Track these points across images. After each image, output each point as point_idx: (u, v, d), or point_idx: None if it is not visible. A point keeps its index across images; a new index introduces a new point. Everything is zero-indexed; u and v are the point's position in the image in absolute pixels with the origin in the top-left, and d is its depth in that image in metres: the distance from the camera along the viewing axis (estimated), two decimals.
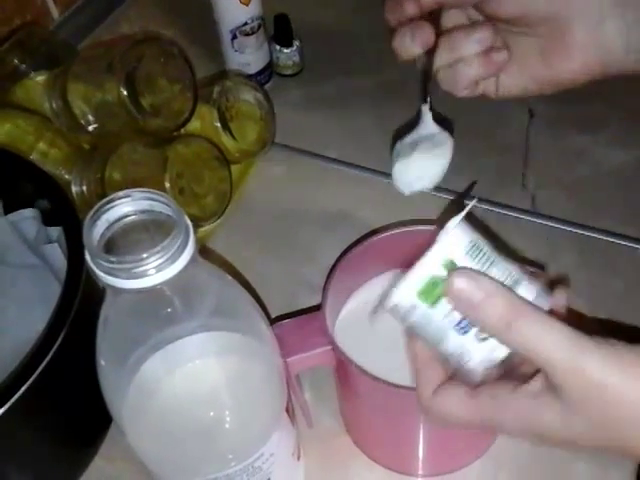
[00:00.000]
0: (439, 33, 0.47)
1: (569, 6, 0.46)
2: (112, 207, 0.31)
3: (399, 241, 0.48)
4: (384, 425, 0.48)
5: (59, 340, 0.42)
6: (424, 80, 0.48)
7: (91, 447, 0.52)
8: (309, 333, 0.44)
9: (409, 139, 0.50)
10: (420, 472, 0.50)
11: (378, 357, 0.44)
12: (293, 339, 0.43)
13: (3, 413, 0.40)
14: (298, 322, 0.45)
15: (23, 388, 0.40)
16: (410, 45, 0.46)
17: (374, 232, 0.49)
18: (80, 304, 0.44)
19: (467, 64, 0.47)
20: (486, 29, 0.47)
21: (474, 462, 0.50)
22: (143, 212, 0.32)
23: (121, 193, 0.31)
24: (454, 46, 0.47)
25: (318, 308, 0.45)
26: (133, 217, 0.32)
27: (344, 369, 0.44)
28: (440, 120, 0.49)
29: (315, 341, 0.44)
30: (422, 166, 0.50)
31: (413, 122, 0.50)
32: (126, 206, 0.31)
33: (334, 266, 0.47)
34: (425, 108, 0.47)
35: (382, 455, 0.51)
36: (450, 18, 0.49)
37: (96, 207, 0.31)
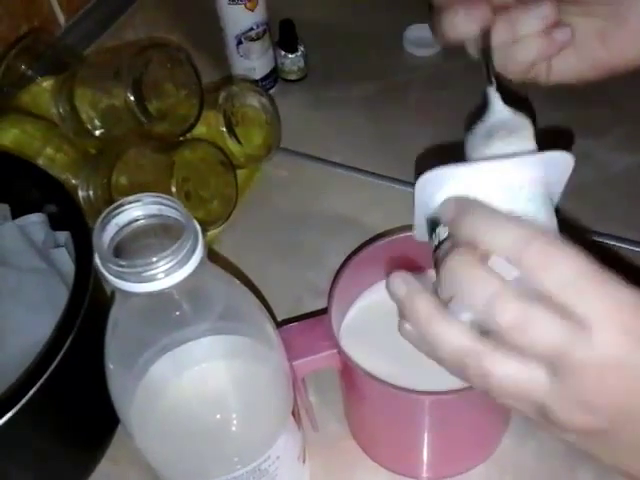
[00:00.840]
0: (494, 9, 0.43)
1: None
2: (122, 211, 0.32)
3: (404, 245, 0.48)
4: (389, 428, 0.48)
5: (67, 344, 0.43)
6: (486, 60, 0.42)
7: (98, 449, 0.52)
8: (315, 337, 0.44)
9: (481, 130, 0.41)
10: (425, 475, 0.50)
11: (383, 361, 0.45)
12: (299, 342, 0.44)
13: (11, 416, 0.40)
14: (304, 326, 0.45)
15: (31, 392, 0.41)
16: (464, 24, 0.42)
17: (379, 236, 0.49)
18: (88, 308, 0.44)
19: (527, 43, 0.43)
20: (548, 5, 0.43)
21: (479, 465, 0.50)
22: (152, 216, 0.32)
23: (131, 197, 0.32)
24: (513, 24, 0.43)
25: (324, 312, 0.45)
26: (143, 221, 0.32)
27: (349, 373, 0.45)
28: (513, 100, 0.41)
29: (321, 345, 0.44)
30: None
31: (481, 109, 0.42)
32: (136, 210, 0.32)
33: (339, 270, 0.47)
34: (492, 91, 0.40)
35: (387, 458, 0.51)
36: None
37: (106, 211, 0.32)
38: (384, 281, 0.49)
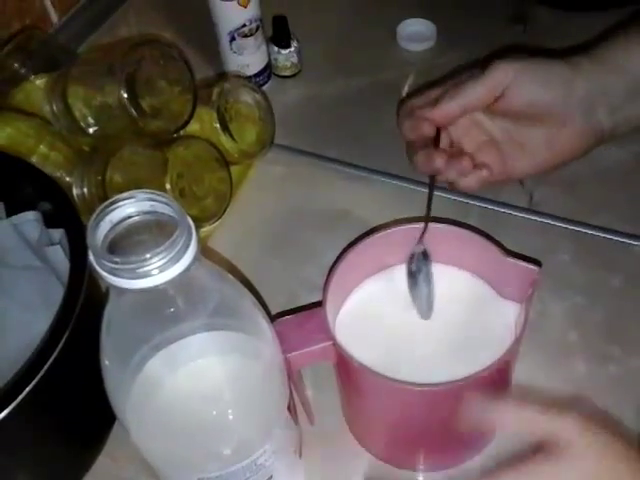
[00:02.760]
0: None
1: (569, 97, 0.54)
2: (116, 208, 0.32)
3: (398, 239, 0.48)
4: (384, 420, 0.48)
5: (62, 342, 0.43)
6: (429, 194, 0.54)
7: (95, 446, 0.52)
8: (310, 329, 0.44)
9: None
10: (421, 467, 0.51)
11: (378, 353, 0.45)
12: (294, 335, 0.44)
13: (7, 414, 0.40)
14: (299, 318, 0.46)
15: (27, 389, 0.41)
16: (423, 165, 0.55)
17: (373, 230, 0.49)
18: (83, 306, 0.44)
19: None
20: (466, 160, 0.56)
21: (475, 457, 0.51)
22: (146, 213, 0.32)
23: (125, 194, 0.32)
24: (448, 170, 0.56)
25: (319, 305, 0.45)
26: (136, 218, 0.32)
27: (345, 365, 0.45)
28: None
29: (316, 337, 0.44)
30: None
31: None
32: (129, 207, 0.32)
33: (334, 264, 0.47)
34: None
35: (383, 450, 0.51)
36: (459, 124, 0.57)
37: (100, 208, 0.32)
38: (378, 274, 0.50)
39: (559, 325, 0.57)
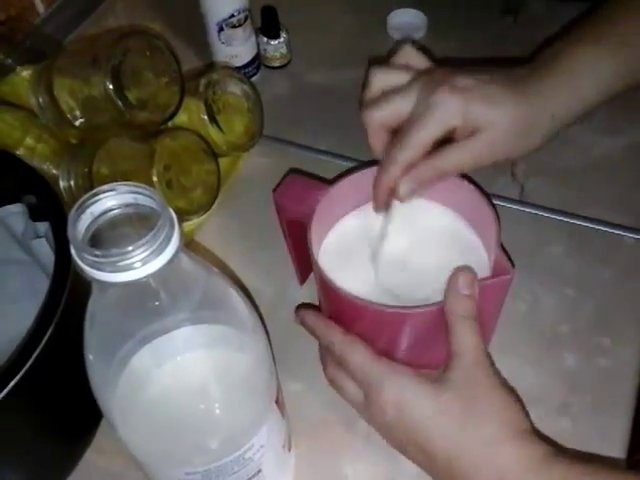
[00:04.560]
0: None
1: (516, 121, 0.50)
2: (97, 201, 0.31)
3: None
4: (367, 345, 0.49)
5: (47, 335, 0.42)
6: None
7: (83, 440, 0.52)
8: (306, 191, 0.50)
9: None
10: None
11: (360, 281, 0.48)
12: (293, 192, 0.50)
13: None
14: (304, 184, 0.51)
15: (12, 383, 0.40)
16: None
17: (356, 168, 0.52)
18: (68, 298, 0.44)
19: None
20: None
21: None
22: (128, 205, 0.31)
23: (106, 187, 0.31)
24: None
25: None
26: (118, 211, 0.31)
27: (327, 291, 0.47)
28: None
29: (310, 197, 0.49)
30: None
31: None
32: (111, 200, 0.31)
33: (319, 199, 0.49)
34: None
35: None
36: None
37: (80, 201, 0.31)
38: (359, 210, 0.53)
39: (550, 317, 0.57)
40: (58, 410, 0.48)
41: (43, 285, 0.45)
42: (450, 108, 0.48)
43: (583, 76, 0.51)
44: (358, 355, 0.46)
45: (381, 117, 0.51)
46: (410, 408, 0.44)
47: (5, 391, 0.40)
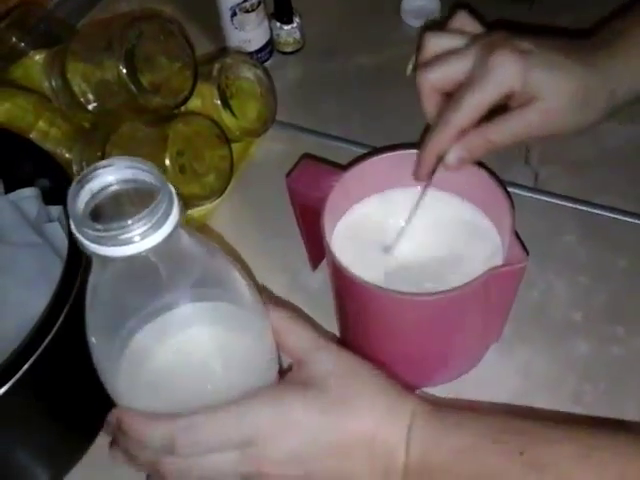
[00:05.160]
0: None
1: (579, 93, 0.48)
2: (95, 176, 0.31)
3: (392, 162, 0.51)
4: (377, 333, 0.50)
5: (61, 317, 0.42)
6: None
7: (94, 424, 0.52)
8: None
9: None
10: (414, 383, 0.51)
11: (373, 269, 0.48)
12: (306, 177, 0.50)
13: (6, 391, 0.40)
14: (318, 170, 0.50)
15: (26, 366, 0.40)
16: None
17: (370, 154, 0.51)
18: (82, 282, 0.44)
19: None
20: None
21: (469, 372, 0.53)
22: (127, 181, 0.32)
23: (104, 162, 0.31)
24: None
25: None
26: (116, 186, 0.32)
27: (339, 277, 0.47)
28: None
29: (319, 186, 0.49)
30: None
31: None
32: (109, 175, 0.31)
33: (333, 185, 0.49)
34: None
35: (377, 367, 0.52)
36: None
37: (79, 176, 0.31)
38: (374, 195, 0.52)
39: (563, 305, 0.56)
40: (69, 395, 0.48)
41: (56, 268, 0.46)
42: (511, 70, 0.46)
43: None
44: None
45: (436, 79, 0.49)
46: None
47: (18, 375, 0.40)
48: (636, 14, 0.52)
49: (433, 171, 0.49)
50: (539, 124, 0.48)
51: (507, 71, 0.46)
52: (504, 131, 0.47)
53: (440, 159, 0.48)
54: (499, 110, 0.48)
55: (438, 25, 0.53)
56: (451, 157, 0.47)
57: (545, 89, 0.47)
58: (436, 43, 0.51)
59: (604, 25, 0.52)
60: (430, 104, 0.50)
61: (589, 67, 0.48)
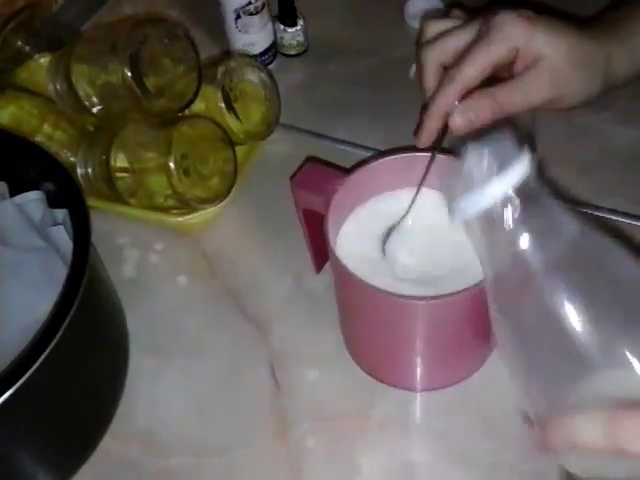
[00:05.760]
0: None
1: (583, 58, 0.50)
2: None
3: (396, 165, 0.51)
4: (381, 337, 0.50)
5: (66, 322, 0.42)
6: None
7: (100, 426, 0.52)
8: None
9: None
10: (418, 387, 0.52)
11: (375, 270, 0.48)
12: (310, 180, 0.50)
13: (10, 395, 0.40)
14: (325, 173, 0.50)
15: (31, 370, 0.41)
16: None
17: (374, 157, 0.51)
18: (86, 286, 0.44)
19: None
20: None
21: (474, 374, 0.52)
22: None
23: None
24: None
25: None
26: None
27: (343, 281, 0.47)
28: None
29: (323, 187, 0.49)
30: None
31: None
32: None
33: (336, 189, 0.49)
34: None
35: (381, 370, 0.52)
36: None
37: None
38: (377, 197, 0.52)
39: None
40: (75, 396, 0.49)
41: (61, 272, 0.46)
42: (515, 27, 0.47)
43: (638, 36, 0.52)
44: None
45: (440, 50, 0.49)
46: None
47: (24, 378, 0.40)
48: (627, 8, 0.54)
49: (437, 140, 0.47)
50: (546, 84, 0.48)
51: (512, 28, 0.47)
52: (514, 92, 0.47)
53: (443, 123, 0.47)
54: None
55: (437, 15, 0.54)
56: (457, 116, 0.46)
57: (548, 48, 0.47)
58: (436, 25, 0.51)
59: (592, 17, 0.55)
60: (432, 78, 0.49)
61: (586, 33, 0.50)
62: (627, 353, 0.34)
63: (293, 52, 0.77)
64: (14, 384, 0.40)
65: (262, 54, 0.74)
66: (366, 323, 0.50)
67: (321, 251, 0.50)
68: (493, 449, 0.49)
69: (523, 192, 0.36)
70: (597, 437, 0.32)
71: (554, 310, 0.35)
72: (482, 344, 0.51)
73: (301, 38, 0.76)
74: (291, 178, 0.51)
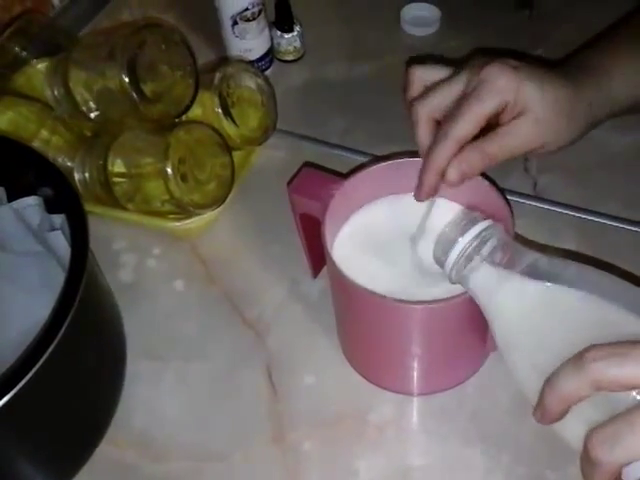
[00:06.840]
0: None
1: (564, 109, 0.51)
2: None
3: (392, 171, 0.51)
4: (378, 341, 0.50)
5: (64, 327, 0.43)
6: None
7: (97, 432, 0.52)
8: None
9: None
10: (415, 391, 0.52)
11: (372, 275, 0.47)
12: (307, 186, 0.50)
13: (9, 400, 0.40)
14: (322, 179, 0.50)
15: (28, 376, 0.41)
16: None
17: (370, 162, 0.52)
18: (84, 291, 0.44)
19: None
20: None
21: (470, 378, 0.53)
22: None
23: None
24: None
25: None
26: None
27: (340, 285, 0.47)
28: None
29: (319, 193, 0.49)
30: None
31: None
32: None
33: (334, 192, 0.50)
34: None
35: (378, 374, 0.53)
36: None
37: None
38: (374, 203, 0.53)
39: None
40: (72, 401, 0.49)
41: (59, 277, 0.46)
42: (504, 81, 0.48)
43: (616, 79, 0.53)
44: None
45: (432, 106, 0.50)
46: None
47: (22, 383, 0.40)
48: (602, 46, 0.56)
49: (435, 190, 0.49)
50: (532, 135, 0.49)
51: (501, 82, 0.48)
52: (500, 143, 0.49)
53: (440, 179, 0.48)
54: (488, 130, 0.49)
55: (420, 60, 0.55)
56: (452, 172, 0.47)
57: (534, 100, 0.49)
58: (422, 76, 0.52)
59: (571, 57, 0.56)
60: (426, 133, 0.51)
61: (568, 80, 0.51)
62: None
63: (290, 58, 0.77)
64: (10, 390, 0.40)
65: (259, 60, 0.75)
66: (363, 328, 0.50)
67: (318, 256, 0.51)
68: (489, 453, 0.49)
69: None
70: (575, 380, 0.34)
71: None
72: (479, 348, 0.51)
73: (298, 44, 0.76)
74: (288, 183, 0.52)
